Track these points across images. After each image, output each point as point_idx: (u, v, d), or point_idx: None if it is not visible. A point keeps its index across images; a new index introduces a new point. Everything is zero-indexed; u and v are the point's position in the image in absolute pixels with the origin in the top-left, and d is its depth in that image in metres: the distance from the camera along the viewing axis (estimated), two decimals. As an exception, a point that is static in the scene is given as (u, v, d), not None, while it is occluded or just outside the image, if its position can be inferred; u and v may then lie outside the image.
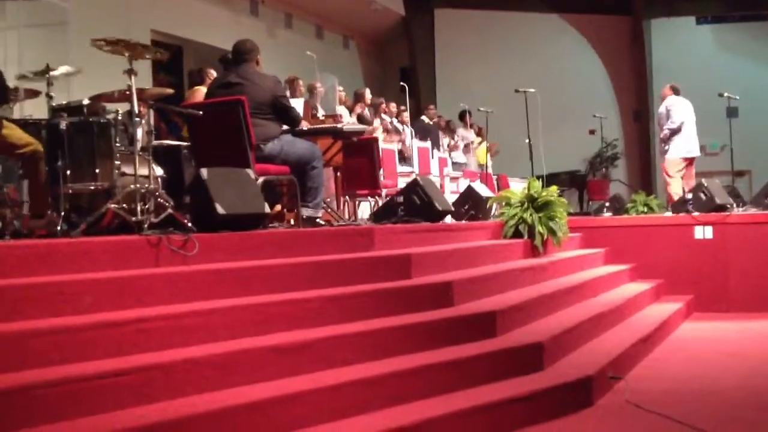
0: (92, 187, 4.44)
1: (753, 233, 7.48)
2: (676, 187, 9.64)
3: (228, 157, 5.03)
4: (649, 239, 7.76)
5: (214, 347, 3.27)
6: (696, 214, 7.72)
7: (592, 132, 15.69)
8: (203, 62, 9.24)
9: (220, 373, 3.14)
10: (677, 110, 9.79)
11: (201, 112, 5.15)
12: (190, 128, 5.61)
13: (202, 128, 5.33)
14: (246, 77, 5.40)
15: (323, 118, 7.43)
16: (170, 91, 5.26)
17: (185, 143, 5.76)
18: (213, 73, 7.41)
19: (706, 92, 11.28)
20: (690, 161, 9.88)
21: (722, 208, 7.84)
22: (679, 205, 8.18)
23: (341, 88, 9.64)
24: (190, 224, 4.15)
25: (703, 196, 7.91)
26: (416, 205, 6.18)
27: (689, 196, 8.00)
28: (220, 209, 4.29)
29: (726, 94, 10.04)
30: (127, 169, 4.46)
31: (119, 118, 4.68)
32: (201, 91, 6.98)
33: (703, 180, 8.30)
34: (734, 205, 8.32)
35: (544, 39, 18.61)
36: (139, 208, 4.16)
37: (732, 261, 7.46)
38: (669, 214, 8.49)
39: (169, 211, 4.23)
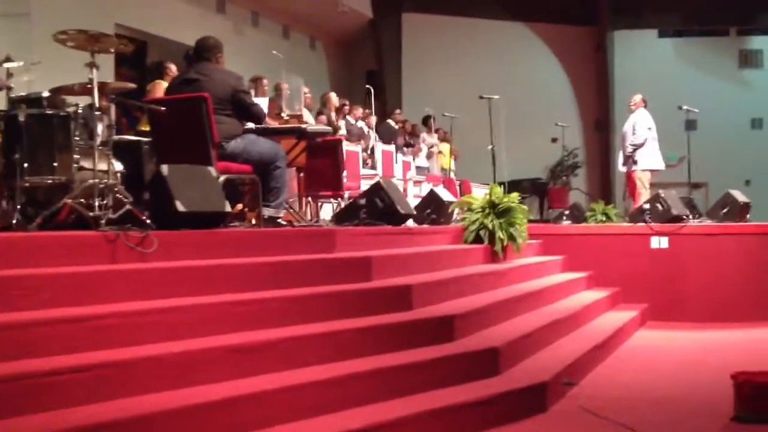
0: (50, 181, 4.37)
1: (707, 244, 7.64)
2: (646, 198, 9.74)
3: (189, 154, 4.97)
4: (607, 248, 7.88)
5: (172, 346, 3.24)
6: (653, 224, 7.85)
7: (554, 140, 15.90)
8: (168, 58, 9.12)
9: (178, 371, 3.12)
10: (643, 125, 9.92)
11: (164, 108, 5.09)
12: (151, 124, 5.55)
13: (164, 124, 5.28)
14: (205, 73, 5.35)
15: (288, 118, 7.40)
16: (132, 85, 5.20)
17: (146, 138, 5.70)
18: (173, 68, 7.33)
19: (666, 104, 11.49)
20: (652, 174, 10.05)
21: (678, 219, 7.98)
22: (637, 215, 8.31)
23: (307, 90, 9.62)
24: (148, 221, 4.10)
25: (660, 206, 8.05)
26: (378, 207, 6.19)
27: (647, 206, 8.14)
28: (180, 206, 4.25)
29: (685, 107, 10.23)
30: (86, 164, 4.39)
31: (80, 111, 4.61)
32: (162, 85, 6.91)
33: (661, 191, 8.44)
34: (690, 217, 8.48)
35: (510, 47, 18.81)
36: (97, 204, 4.10)
37: (686, 271, 7.61)
38: (627, 223, 8.63)
39: (128, 207, 4.18)
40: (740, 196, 9.04)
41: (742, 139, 18.89)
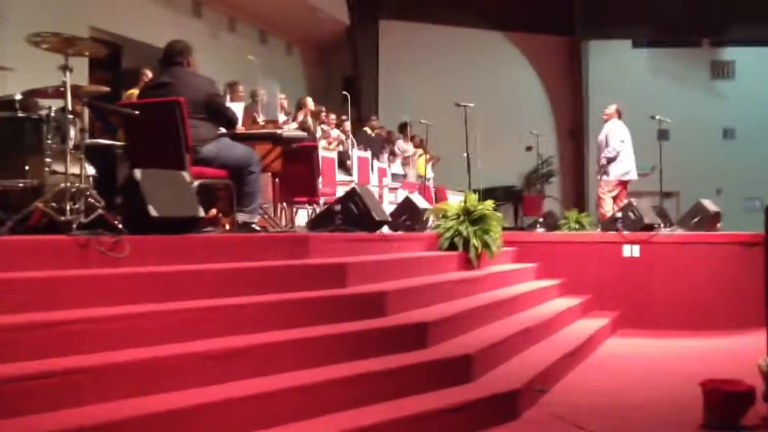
0: (21, 185, 4.32)
1: (678, 253, 7.73)
2: (608, 206, 9.88)
3: (163, 158, 4.95)
4: (580, 256, 7.95)
5: (143, 352, 3.22)
6: (625, 232, 7.93)
7: (528, 148, 15.98)
8: (143, 61, 9.07)
9: (150, 378, 3.09)
10: (616, 137, 9.99)
11: (137, 112, 5.06)
12: (125, 128, 5.51)
13: (138, 128, 5.24)
14: (177, 77, 5.32)
15: (263, 123, 7.38)
16: (106, 89, 5.16)
17: (119, 143, 5.65)
18: (149, 75, 7.29)
19: (639, 114, 11.60)
20: (625, 184, 10.13)
21: (650, 227, 8.07)
22: (609, 224, 8.39)
23: (283, 95, 9.60)
24: (120, 226, 4.07)
25: (632, 215, 8.14)
26: (354, 214, 6.20)
27: (619, 215, 8.22)
28: (152, 211, 4.22)
29: (658, 117, 10.34)
30: (58, 167, 4.35)
31: (52, 114, 4.56)
32: (136, 95, 6.86)
33: (633, 200, 8.54)
34: (661, 225, 8.58)
35: (486, 55, 18.93)
36: (68, 208, 4.06)
37: (657, 279, 7.69)
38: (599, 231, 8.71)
39: (99, 211, 4.14)
40: (711, 206, 9.16)
41: (714, 149, 19.17)
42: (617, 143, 9.94)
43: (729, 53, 19.86)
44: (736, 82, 19.73)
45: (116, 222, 4.10)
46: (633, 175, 10.09)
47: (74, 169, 4.33)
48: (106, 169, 5.19)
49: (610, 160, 9.96)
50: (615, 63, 19.59)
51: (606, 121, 10.31)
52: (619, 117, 10.25)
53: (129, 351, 3.20)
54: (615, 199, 9.95)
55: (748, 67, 19.60)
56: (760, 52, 19.54)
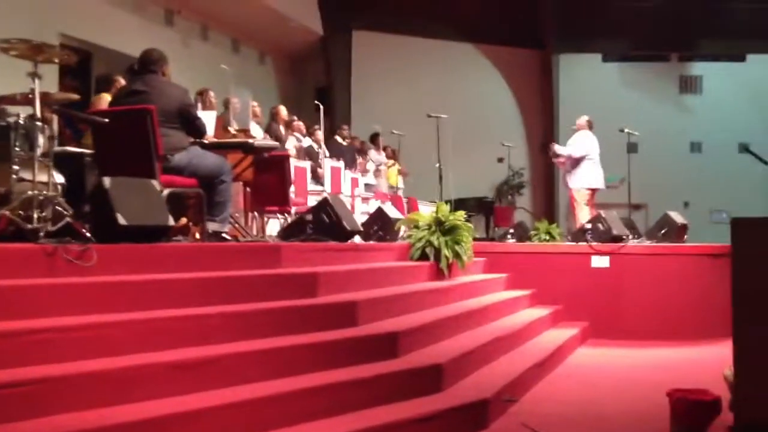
0: (-13, 192, 4.26)
1: (646, 264, 7.82)
2: (584, 216, 9.84)
3: (133, 166, 4.91)
4: (550, 266, 8.01)
5: (111, 361, 3.18)
6: (594, 243, 8.01)
7: (500, 160, 16.09)
8: (113, 69, 8.99)
9: (117, 388, 3.06)
10: (581, 144, 10.11)
11: (107, 120, 5.02)
12: (94, 136, 5.46)
13: (107, 136, 5.20)
14: (152, 85, 5.30)
15: (235, 132, 7.36)
16: (76, 96, 5.11)
17: (88, 150, 5.60)
18: (122, 81, 7.23)
19: (609, 127, 11.72)
20: (593, 192, 10.20)
21: (619, 239, 8.16)
22: (579, 235, 8.47)
23: (255, 104, 9.58)
24: (88, 234, 4.03)
25: (601, 226, 8.22)
26: (325, 223, 6.19)
27: (588, 226, 8.30)
28: (121, 220, 4.18)
29: (627, 130, 10.44)
30: (26, 175, 4.29)
31: (21, 121, 4.51)
32: (106, 99, 6.80)
33: (602, 211, 8.63)
34: (630, 237, 8.68)
35: (458, 67, 19.05)
36: (35, 216, 4.01)
37: (626, 290, 7.78)
38: (569, 242, 8.78)
39: (67, 219, 4.09)
40: (678, 218, 9.28)
41: (682, 162, 19.46)
42: (581, 149, 9.98)
43: (697, 68, 20.19)
44: (704, 96, 20.06)
45: (84, 230, 4.05)
46: (597, 184, 10.10)
47: (42, 177, 4.28)
48: (75, 177, 5.14)
49: (574, 163, 9.98)
50: (585, 76, 19.82)
51: (576, 131, 10.40)
52: (590, 128, 10.34)
53: (97, 361, 3.17)
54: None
55: (715, 82, 19.94)
56: (727, 67, 19.91)
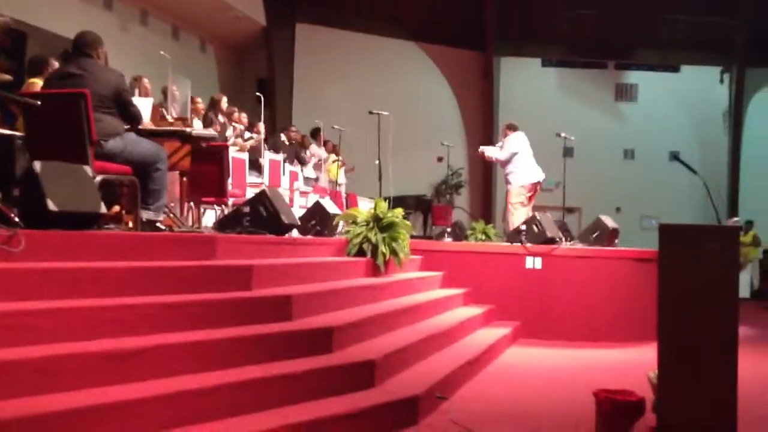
0: None
1: (578, 267, 7.99)
2: (518, 217, 9.79)
3: (65, 151, 4.78)
4: (485, 266, 8.11)
5: (35, 350, 3.09)
6: (528, 245, 8.14)
7: (440, 159, 16.20)
8: (49, 51, 8.72)
9: (41, 377, 2.97)
10: (508, 144, 9.92)
11: (39, 102, 4.87)
12: (25, 119, 5.29)
13: (39, 119, 5.04)
14: (87, 69, 5.15)
15: (173, 120, 7.23)
16: (8, 77, 4.95)
17: (19, 133, 5.43)
18: (56, 65, 7.02)
19: (546, 131, 11.95)
20: (533, 189, 10.01)
21: (552, 241, 8.31)
22: (514, 236, 8.60)
23: (200, 100, 9.41)
24: (17, 219, 3.91)
25: (535, 228, 8.36)
26: (262, 216, 6.14)
27: (523, 227, 8.43)
28: (51, 205, 4.07)
29: (563, 134, 10.64)
30: (-48, 156, 4.15)
31: (-52, 100, 4.36)
32: (38, 85, 6.58)
33: (537, 213, 8.77)
34: (563, 239, 8.85)
35: (401, 65, 19.14)
36: (-39, 199, 3.88)
37: (557, 292, 7.93)
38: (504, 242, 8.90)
39: (-5, 203, 3.97)
40: (610, 222, 9.51)
41: (615, 168, 19.96)
42: (509, 149, 9.84)
43: (633, 76, 20.73)
44: (639, 105, 20.60)
45: (13, 215, 3.93)
46: (534, 179, 9.87)
47: (-31, 159, 4.14)
48: (5, 159, 4.98)
49: (504, 163, 9.89)
50: (525, 80, 20.15)
51: (504, 136, 10.27)
52: (514, 130, 10.12)
53: (20, 348, 3.07)
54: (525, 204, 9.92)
55: (650, 91, 20.51)
56: (662, 77, 20.49)
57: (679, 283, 3.98)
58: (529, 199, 9.89)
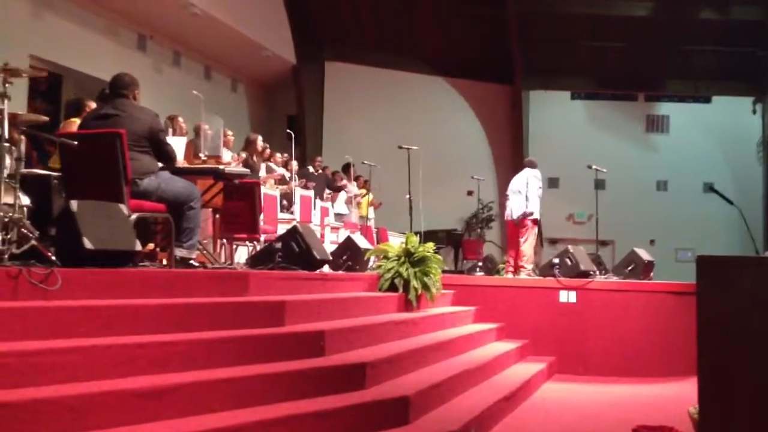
0: (-49, 213, 4.17)
1: (613, 300, 7.89)
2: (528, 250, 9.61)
3: (101, 190, 4.85)
4: (517, 300, 8.03)
5: (69, 388, 3.10)
6: (561, 278, 8.05)
7: (470, 193, 16.19)
8: (84, 93, 8.93)
9: (74, 415, 2.97)
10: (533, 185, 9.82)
11: (76, 142, 4.96)
12: (62, 158, 5.38)
13: (76, 159, 5.13)
14: (123, 109, 5.25)
15: (206, 158, 7.32)
16: (45, 118, 5.06)
17: (56, 173, 5.52)
18: (92, 105, 7.16)
19: (577, 163, 11.87)
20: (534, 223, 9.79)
21: (586, 274, 8.22)
22: (546, 269, 8.51)
23: (231, 132, 9.54)
24: (54, 257, 3.96)
25: (568, 261, 8.27)
26: (294, 252, 6.15)
27: (556, 261, 8.35)
28: (87, 244, 4.12)
29: (594, 167, 10.55)
30: (-8, 196, 4.22)
31: (-13, 142, 4.45)
32: (75, 124, 6.71)
33: (570, 247, 8.69)
34: (597, 273, 8.75)
35: (429, 100, 19.24)
36: (0, 238, 3.94)
37: (592, 325, 7.82)
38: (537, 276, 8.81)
39: (33, 242, 4.02)
40: (645, 255, 9.38)
41: (648, 199, 19.74)
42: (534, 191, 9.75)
43: (664, 108, 20.60)
44: (670, 136, 20.43)
45: (50, 254, 3.98)
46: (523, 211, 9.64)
47: (8, 199, 4.22)
48: (42, 199, 5.06)
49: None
50: (554, 113, 20.11)
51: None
52: (531, 167, 10.03)
53: (55, 387, 3.08)
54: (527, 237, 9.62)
55: (681, 122, 20.34)
56: (693, 108, 20.33)
57: (719, 316, 3.89)
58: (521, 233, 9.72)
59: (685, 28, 18.67)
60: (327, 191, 12.17)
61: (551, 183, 17.19)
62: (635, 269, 9.11)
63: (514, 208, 9.72)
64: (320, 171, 12.40)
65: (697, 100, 20.36)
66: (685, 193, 19.62)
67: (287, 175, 10.41)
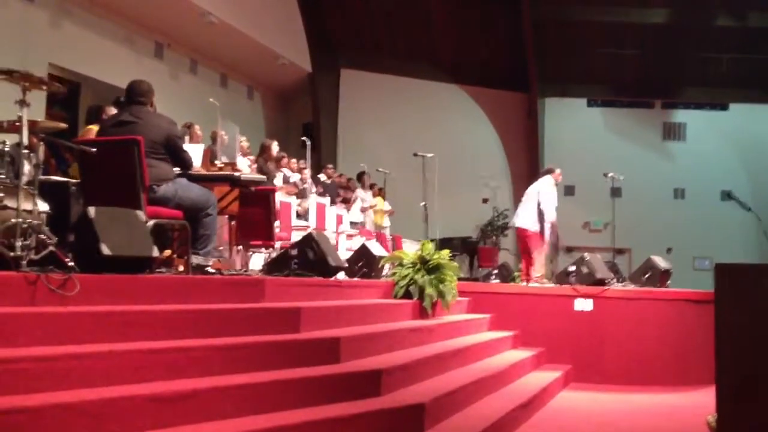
0: (-30, 219, 4.21)
1: (629, 308, 7.83)
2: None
3: (119, 197, 4.89)
4: (533, 308, 8.00)
5: (87, 393, 3.12)
6: (577, 286, 8.01)
7: (485, 200, 16.15)
8: (101, 100, 9.00)
9: (93, 420, 2.99)
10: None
11: (94, 149, 5.00)
12: (80, 165, 5.43)
13: (94, 166, 5.17)
14: (140, 116, 5.29)
15: (222, 165, 7.36)
16: (63, 125, 5.09)
17: (74, 180, 5.57)
18: (112, 111, 7.23)
19: (594, 171, 11.84)
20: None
21: (602, 282, 8.17)
22: (562, 277, 8.47)
23: (244, 138, 9.58)
24: (72, 263, 3.98)
25: (584, 269, 8.23)
26: (309, 259, 6.17)
27: (572, 268, 8.31)
28: (105, 250, 4.15)
29: (611, 174, 10.52)
30: (10, 203, 4.26)
31: (6, 149, 4.49)
32: (94, 131, 6.78)
33: (586, 254, 8.65)
34: (613, 280, 8.70)
35: (444, 107, 19.23)
36: (19, 244, 3.97)
37: (608, 333, 7.77)
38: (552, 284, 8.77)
39: (51, 248, 4.05)
40: (662, 263, 9.33)
41: (665, 207, 19.61)
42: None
43: (680, 115, 20.48)
44: (687, 143, 20.31)
45: (68, 259, 4.01)
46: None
47: (26, 205, 4.24)
48: (60, 205, 5.10)
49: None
50: (570, 120, 20.04)
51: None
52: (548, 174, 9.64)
53: (72, 392, 3.10)
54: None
55: (698, 129, 20.21)
56: (710, 115, 20.21)
57: (737, 324, 3.86)
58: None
59: (702, 35, 18.57)
60: (339, 199, 12.18)
61: (567, 191, 17.13)
62: (652, 277, 9.05)
63: (518, 217, 9.46)
64: (331, 180, 12.41)
65: (714, 108, 20.23)
66: (702, 201, 19.48)
67: (300, 185, 10.43)
